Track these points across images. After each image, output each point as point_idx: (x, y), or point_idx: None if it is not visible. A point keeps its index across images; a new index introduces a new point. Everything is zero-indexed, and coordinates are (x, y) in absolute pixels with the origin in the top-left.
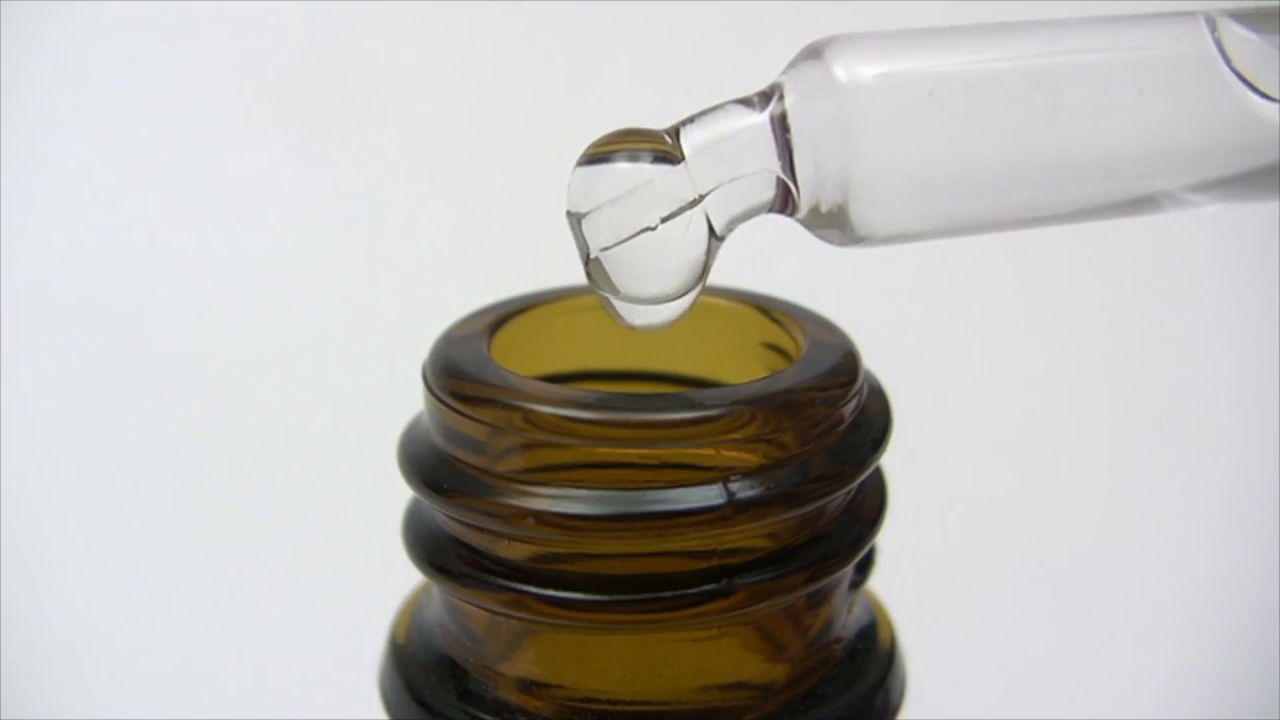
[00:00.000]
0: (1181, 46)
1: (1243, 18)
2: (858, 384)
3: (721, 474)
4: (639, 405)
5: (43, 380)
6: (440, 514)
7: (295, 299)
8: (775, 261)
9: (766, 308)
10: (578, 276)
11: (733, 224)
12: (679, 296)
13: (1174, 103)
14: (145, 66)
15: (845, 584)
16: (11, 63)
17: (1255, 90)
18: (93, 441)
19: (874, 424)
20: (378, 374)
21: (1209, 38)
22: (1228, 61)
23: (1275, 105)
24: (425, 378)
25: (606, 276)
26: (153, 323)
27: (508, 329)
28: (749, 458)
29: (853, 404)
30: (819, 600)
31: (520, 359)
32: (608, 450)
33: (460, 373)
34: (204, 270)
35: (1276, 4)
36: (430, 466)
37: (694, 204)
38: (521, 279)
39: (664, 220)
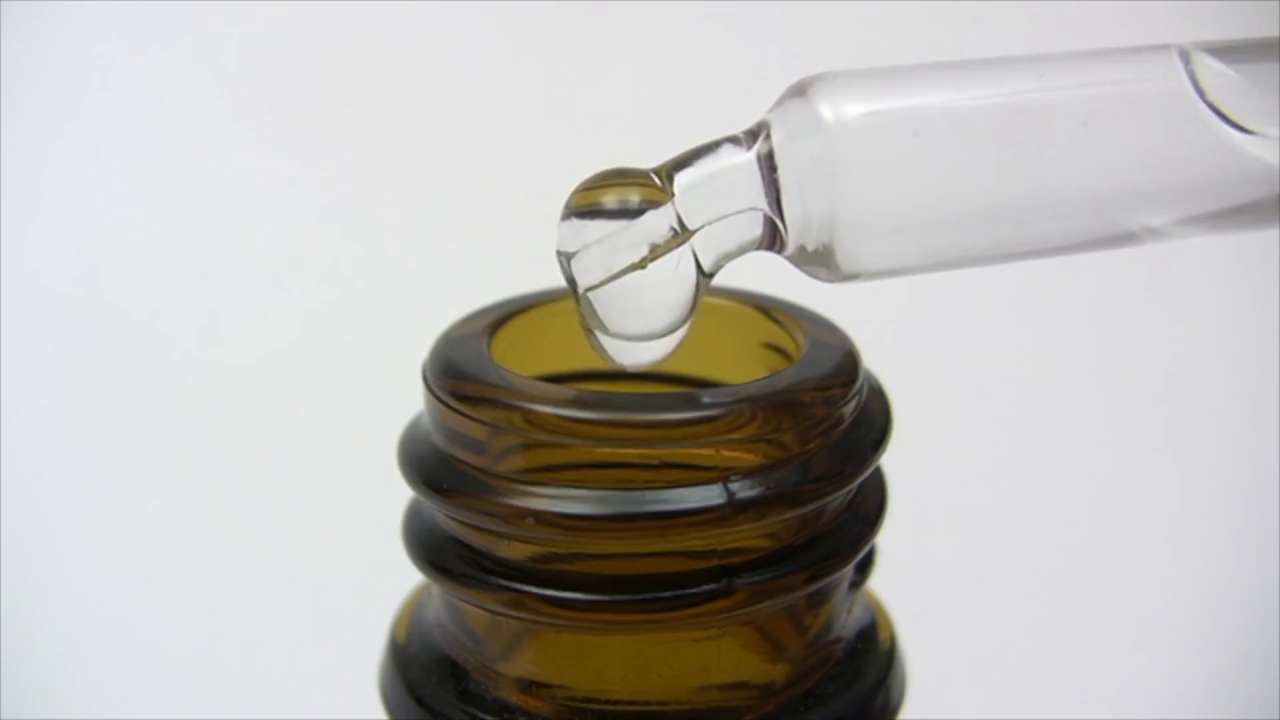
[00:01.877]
0: (1161, 81)
1: (1217, 50)
2: (858, 384)
3: (721, 474)
4: (639, 405)
5: (43, 380)
6: (440, 514)
7: (295, 299)
8: (775, 262)
9: (766, 308)
10: None
11: (721, 261)
12: (667, 333)
13: (1154, 137)
14: (144, 67)
15: (845, 584)
16: (11, 63)
17: (1229, 123)
18: (92, 442)
19: (874, 424)
20: (378, 374)
21: (1183, 71)
22: (1201, 95)
23: (1250, 138)
24: (425, 378)
25: (596, 313)
26: (154, 322)
27: (508, 329)
28: (749, 458)
29: (853, 404)
30: (819, 600)
31: (520, 359)
32: (608, 450)
33: (460, 373)
34: (203, 270)
35: (1254, 37)
36: (430, 466)
37: (682, 242)
38: (521, 279)
39: (653, 258)
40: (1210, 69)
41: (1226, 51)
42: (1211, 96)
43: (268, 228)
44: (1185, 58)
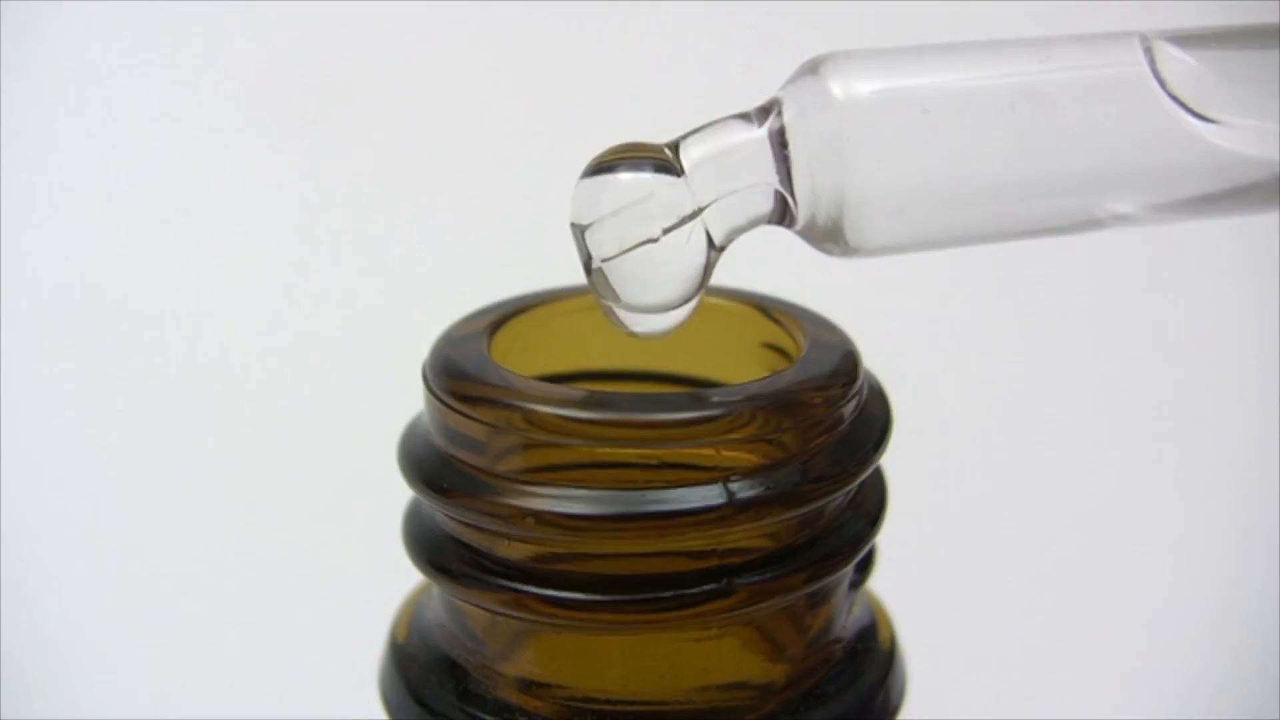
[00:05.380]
0: (1123, 68)
1: (1179, 39)
2: (858, 384)
3: (721, 474)
4: (639, 405)
5: (43, 380)
6: (440, 514)
7: (295, 299)
8: (775, 261)
9: (766, 308)
10: (578, 276)
11: (732, 235)
12: (679, 305)
13: (1117, 124)
14: (144, 68)
15: (845, 584)
16: (10, 63)
17: (1190, 111)
18: (93, 442)
19: (874, 424)
20: (378, 374)
21: (1143, 60)
22: (1162, 84)
23: (1211, 126)
24: (425, 378)
25: (609, 285)
26: (154, 322)
27: (508, 329)
28: (749, 458)
29: (853, 404)
30: (819, 600)
31: (520, 359)
32: (608, 450)
33: (460, 373)
34: (204, 270)
35: (1219, 25)
36: (430, 466)
37: (694, 216)
38: (521, 279)
39: (665, 232)
40: (1171, 57)
41: (1188, 39)
42: (1172, 86)
43: (267, 227)
44: (1147, 46)
